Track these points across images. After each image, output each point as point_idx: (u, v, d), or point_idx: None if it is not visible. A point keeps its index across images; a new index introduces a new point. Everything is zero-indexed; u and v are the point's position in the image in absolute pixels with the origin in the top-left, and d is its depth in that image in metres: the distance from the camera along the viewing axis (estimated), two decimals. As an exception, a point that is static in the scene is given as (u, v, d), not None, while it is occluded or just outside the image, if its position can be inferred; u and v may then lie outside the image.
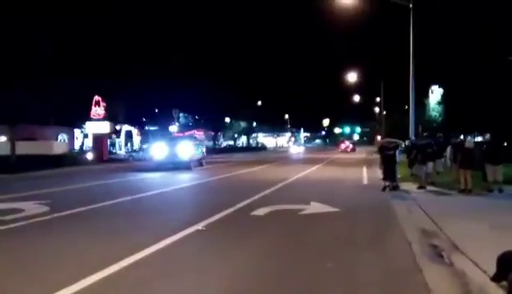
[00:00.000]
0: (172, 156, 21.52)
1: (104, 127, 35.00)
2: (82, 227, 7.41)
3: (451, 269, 4.77)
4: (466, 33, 18.95)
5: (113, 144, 37.42)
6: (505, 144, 12.82)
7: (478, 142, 12.85)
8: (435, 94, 39.15)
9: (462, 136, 19.00)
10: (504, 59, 17.27)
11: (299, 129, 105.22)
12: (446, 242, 5.92)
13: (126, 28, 38.75)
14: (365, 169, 21.36)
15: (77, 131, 37.01)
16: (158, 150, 22.29)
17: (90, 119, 35.89)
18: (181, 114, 59.57)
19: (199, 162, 23.79)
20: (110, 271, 4.75)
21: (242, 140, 76.70)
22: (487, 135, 12.53)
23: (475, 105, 22.88)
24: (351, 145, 60.93)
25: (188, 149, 22.32)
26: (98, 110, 35.90)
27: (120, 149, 37.41)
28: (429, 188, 12.28)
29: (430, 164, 13.07)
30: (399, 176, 13.29)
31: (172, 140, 24.72)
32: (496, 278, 4.04)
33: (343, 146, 61.61)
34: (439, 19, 19.68)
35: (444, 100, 36.60)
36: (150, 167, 21.14)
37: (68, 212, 8.62)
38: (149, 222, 7.96)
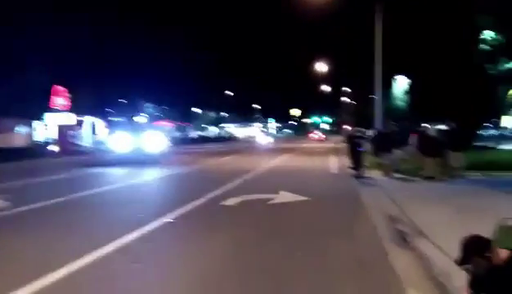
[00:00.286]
0: (136, 148, 20.61)
1: (66, 118, 33.79)
2: (45, 222, 7.12)
3: (417, 254, 4.90)
4: (434, 22, 19.19)
5: (75, 136, 35.96)
6: (466, 131, 13.31)
7: (440, 130, 13.30)
8: (400, 83, 40.08)
9: (425, 124, 19.57)
10: (471, 48, 17.59)
11: (269, 119, 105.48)
12: (411, 227, 6.08)
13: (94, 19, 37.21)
14: (333, 158, 21.69)
15: (37, 123, 35.39)
16: (120, 142, 21.10)
17: (50, 110, 34.55)
18: (148, 105, 58.46)
19: (167, 154, 23.17)
20: (75, 266, 4.59)
21: (211, 130, 76.15)
22: (449, 124, 12.98)
23: (440, 94, 23.55)
24: (322, 135, 62.90)
25: (154, 140, 21.62)
26: (60, 101, 34.63)
27: (83, 140, 36.04)
28: (395, 175, 12.60)
29: (395, 152, 13.41)
30: (366, 165, 13.56)
31: (137, 130, 23.54)
32: (459, 262, 4.14)
33: (314, 136, 62.98)
34: (406, 6, 19.88)
35: (410, 89, 37.52)
36: (112, 161, 19.93)
37: (30, 206, 8.26)
38: (115, 215, 7.76)
